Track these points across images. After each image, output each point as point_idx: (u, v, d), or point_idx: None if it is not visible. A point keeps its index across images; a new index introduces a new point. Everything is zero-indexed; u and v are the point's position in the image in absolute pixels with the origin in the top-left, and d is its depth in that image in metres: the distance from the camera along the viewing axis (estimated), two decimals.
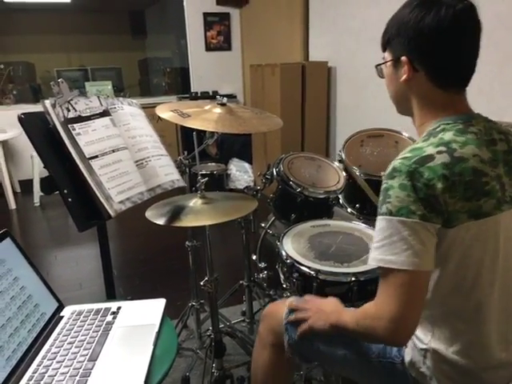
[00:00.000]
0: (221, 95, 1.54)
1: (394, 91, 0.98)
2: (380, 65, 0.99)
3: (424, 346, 0.92)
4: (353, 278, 1.30)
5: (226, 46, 5.30)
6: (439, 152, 0.83)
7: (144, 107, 1.55)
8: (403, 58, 0.90)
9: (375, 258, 0.85)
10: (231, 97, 5.19)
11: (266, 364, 1.20)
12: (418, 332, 0.94)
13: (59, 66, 5.49)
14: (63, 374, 0.89)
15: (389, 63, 0.96)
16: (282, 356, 1.16)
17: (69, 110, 1.24)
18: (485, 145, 0.87)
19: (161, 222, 1.27)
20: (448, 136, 0.86)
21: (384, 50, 0.97)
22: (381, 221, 0.85)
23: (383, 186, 0.86)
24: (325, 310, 1.04)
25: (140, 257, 3.00)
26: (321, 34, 3.84)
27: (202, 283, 1.52)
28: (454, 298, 0.89)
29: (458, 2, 0.85)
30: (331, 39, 3.68)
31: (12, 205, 4.07)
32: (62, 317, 1.11)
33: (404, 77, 0.92)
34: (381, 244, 0.84)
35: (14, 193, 4.28)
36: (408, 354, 0.96)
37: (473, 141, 0.86)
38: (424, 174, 0.81)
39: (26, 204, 4.24)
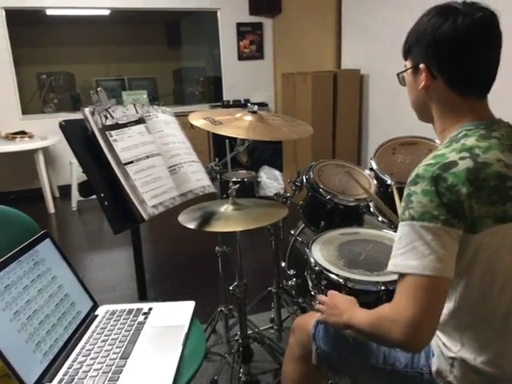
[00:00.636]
0: (252, 103, 1.57)
1: (414, 98, 1.00)
2: (401, 73, 1.01)
3: (452, 355, 0.91)
4: (382, 287, 1.29)
5: (258, 54, 5.36)
6: (462, 158, 0.83)
7: (177, 115, 1.60)
8: (421, 66, 0.91)
9: (397, 264, 0.83)
10: (263, 105, 5.24)
11: (296, 376, 1.21)
12: (447, 341, 0.92)
13: (98, 76, 5.70)
14: (96, 370, 0.93)
15: (409, 71, 0.97)
16: (312, 368, 1.16)
17: (107, 118, 1.30)
18: (508, 149, 0.86)
19: (192, 226, 1.30)
20: (470, 141, 0.86)
21: (405, 58, 0.99)
22: (403, 227, 0.84)
23: (406, 192, 0.86)
24: (339, 307, 1.04)
25: (171, 262, 3.06)
26: (353, 41, 3.83)
27: (231, 288, 1.54)
28: (482, 305, 0.87)
29: (476, 11, 0.86)
30: (364, 47, 3.67)
31: (51, 209, 4.24)
32: (97, 315, 1.15)
33: (422, 84, 0.92)
34: (403, 250, 0.83)
35: (53, 197, 4.46)
36: (435, 362, 0.95)
37: (496, 146, 0.85)
38: (448, 180, 0.81)
39: (64, 208, 4.40)
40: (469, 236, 0.83)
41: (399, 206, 1.40)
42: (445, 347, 0.93)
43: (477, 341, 0.88)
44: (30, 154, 4.13)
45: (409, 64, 0.97)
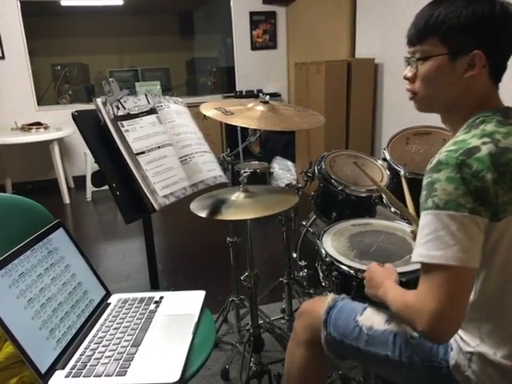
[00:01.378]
0: (265, 94, 1.56)
1: (441, 88, 0.92)
2: (427, 58, 0.90)
3: (470, 349, 0.89)
4: (402, 279, 1.27)
5: (271, 44, 5.32)
6: (484, 143, 0.81)
7: (190, 106, 1.59)
8: (477, 52, 0.85)
9: (420, 254, 0.82)
10: (276, 95, 5.21)
11: (301, 361, 1.20)
12: (464, 335, 0.91)
13: (111, 66, 5.73)
14: (108, 357, 0.95)
15: (440, 57, 0.89)
16: (317, 353, 1.16)
17: (118, 108, 1.30)
18: None
19: (203, 214, 1.30)
20: (490, 127, 0.84)
21: (420, 42, 0.91)
22: (426, 216, 0.82)
23: (427, 180, 0.83)
24: (376, 279, 1.05)
25: (184, 252, 3.08)
26: (368, 30, 3.77)
27: (242, 278, 1.55)
28: (501, 297, 0.86)
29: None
30: (379, 35, 3.61)
31: (66, 199, 4.30)
32: (109, 304, 1.17)
33: (470, 73, 0.87)
34: (426, 239, 0.81)
35: (68, 188, 4.52)
36: (453, 357, 0.93)
37: None
38: (472, 166, 0.79)
39: (78, 199, 4.46)
40: (492, 224, 0.81)
41: (409, 197, 1.38)
42: (463, 342, 0.91)
43: (497, 334, 0.87)
44: (46, 145, 4.19)
45: (439, 49, 0.88)
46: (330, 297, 1.16)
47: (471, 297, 0.88)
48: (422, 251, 0.82)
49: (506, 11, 0.85)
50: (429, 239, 0.81)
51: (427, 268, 0.82)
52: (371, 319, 1.06)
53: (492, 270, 0.85)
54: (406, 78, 0.98)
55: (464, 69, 0.87)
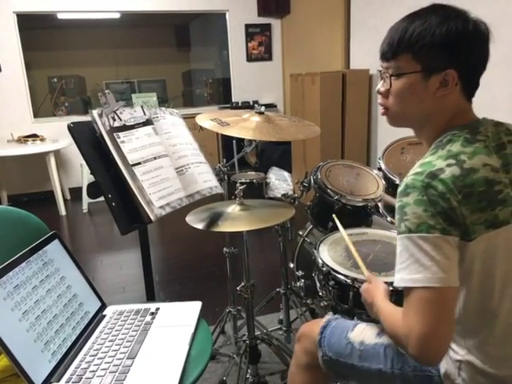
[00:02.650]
0: (261, 105, 1.57)
1: (413, 105, 0.90)
2: (400, 75, 0.89)
3: (459, 358, 0.90)
4: (390, 288, 1.27)
5: (266, 56, 5.37)
6: (449, 165, 0.81)
7: (187, 117, 1.60)
8: (450, 71, 0.85)
9: (403, 279, 0.82)
10: (271, 106, 5.24)
11: None
12: (453, 344, 0.91)
13: (108, 79, 5.76)
14: (104, 369, 0.94)
15: (413, 75, 0.87)
16: (318, 377, 1.16)
17: (114, 120, 1.31)
18: (495, 151, 0.84)
19: (200, 226, 1.30)
20: (456, 147, 0.84)
21: (393, 57, 0.89)
22: (402, 240, 0.82)
23: (398, 203, 0.84)
24: (367, 301, 1.05)
25: (180, 263, 3.07)
26: (362, 41, 3.81)
27: (238, 288, 1.54)
28: (484, 311, 0.86)
29: (475, 16, 0.86)
30: (373, 47, 3.65)
31: (62, 211, 4.28)
32: (105, 316, 1.16)
33: (443, 91, 0.86)
34: (405, 264, 0.81)
35: (65, 200, 4.51)
36: (443, 365, 0.94)
37: (481, 149, 0.83)
38: (438, 188, 0.79)
39: (75, 210, 4.45)
40: (465, 243, 0.82)
41: (353, 248, 1.31)
42: (452, 350, 0.92)
43: (481, 345, 0.87)
44: (42, 157, 4.18)
45: (411, 66, 0.87)
46: (325, 318, 1.16)
47: (458, 311, 0.88)
48: (404, 276, 0.82)
49: (478, 29, 0.85)
50: (408, 264, 0.81)
51: (410, 291, 0.81)
52: (362, 334, 1.06)
53: (472, 287, 0.85)
54: (379, 93, 0.97)
55: (436, 87, 0.87)
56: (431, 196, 0.79)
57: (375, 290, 1.06)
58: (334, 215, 1.54)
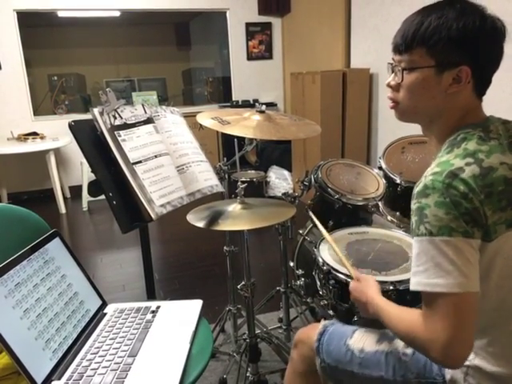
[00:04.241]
0: (261, 103, 1.57)
1: (425, 100, 0.89)
2: (413, 69, 0.88)
3: (466, 363, 0.88)
4: (391, 287, 1.28)
5: (267, 54, 5.36)
6: (468, 164, 0.80)
7: (187, 116, 1.60)
8: (464, 68, 0.83)
9: (420, 283, 0.80)
10: (272, 105, 5.24)
11: None
12: None
13: (108, 77, 5.75)
14: (105, 367, 0.94)
15: (427, 69, 0.86)
16: (314, 383, 1.15)
17: (115, 118, 1.31)
18: (508, 149, 0.84)
19: (200, 224, 1.30)
20: (472, 145, 0.83)
21: (405, 51, 0.88)
22: (420, 242, 0.80)
23: (416, 205, 0.82)
24: (360, 299, 1.04)
25: (181, 261, 3.07)
26: (363, 40, 3.81)
27: (238, 287, 1.54)
28: (499, 312, 0.86)
29: (489, 12, 0.85)
30: (373, 46, 3.65)
31: (62, 209, 4.28)
32: (105, 314, 1.16)
33: (456, 88, 0.85)
34: (424, 268, 0.80)
35: (64, 198, 4.51)
36: (449, 371, 0.93)
37: (496, 148, 0.83)
38: (459, 188, 0.78)
39: (75, 209, 4.44)
40: (485, 244, 0.80)
41: (335, 245, 1.29)
42: None
43: (492, 349, 0.87)
44: (42, 155, 4.18)
45: (426, 61, 0.86)
46: (321, 323, 1.15)
47: None
48: (422, 279, 0.80)
49: (495, 26, 0.84)
50: (427, 267, 0.79)
51: (430, 297, 0.80)
52: (361, 341, 1.05)
53: (489, 288, 0.84)
54: (389, 86, 0.95)
55: (449, 83, 0.86)
56: (453, 197, 0.78)
57: (367, 288, 1.04)
58: (310, 212, 1.52)
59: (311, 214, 1.50)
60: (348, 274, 1.34)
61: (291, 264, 2.01)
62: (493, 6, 0.89)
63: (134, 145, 1.30)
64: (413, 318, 0.85)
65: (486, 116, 0.91)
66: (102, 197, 1.24)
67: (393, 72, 0.94)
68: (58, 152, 4.57)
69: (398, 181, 1.72)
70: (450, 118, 0.90)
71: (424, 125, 0.96)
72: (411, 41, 0.86)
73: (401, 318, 0.88)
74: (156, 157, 1.34)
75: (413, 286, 0.82)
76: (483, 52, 0.84)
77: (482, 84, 0.88)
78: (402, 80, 0.90)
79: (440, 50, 0.84)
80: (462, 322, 0.78)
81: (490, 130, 0.86)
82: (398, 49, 0.90)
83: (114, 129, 1.29)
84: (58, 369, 0.94)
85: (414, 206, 0.83)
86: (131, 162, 1.27)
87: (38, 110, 4.90)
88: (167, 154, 1.38)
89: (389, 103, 0.97)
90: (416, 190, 0.83)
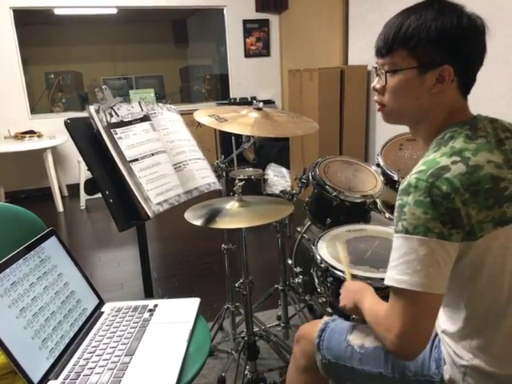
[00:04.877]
0: (259, 101, 1.56)
1: (409, 101, 0.89)
2: (396, 71, 0.88)
3: (464, 363, 0.89)
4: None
5: (264, 52, 5.35)
6: (454, 162, 0.80)
7: (184, 113, 1.60)
8: (446, 67, 0.84)
9: (390, 278, 0.83)
10: (269, 102, 5.23)
11: None
12: (457, 349, 0.90)
13: (105, 74, 5.72)
14: (102, 366, 0.93)
15: (409, 71, 0.86)
16: (317, 380, 1.15)
17: (112, 116, 1.30)
18: (496, 147, 0.84)
19: (198, 223, 1.30)
20: (458, 144, 0.83)
21: (389, 53, 0.88)
22: (397, 239, 0.82)
23: (398, 202, 0.83)
24: (351, 288, 1.09)
25: (178, 259, 3.07)
26: (360, 37, 3.80)
27: (237, 285, 1.54)
28: (491, 311, 0.86)
29: (470, 10, 0.86)
30: (371, 43, 3.61)
31: (60, 208, 4.27)
32: (103, 312, 1.16)
33: (440, 87, 0.86)
34: (395, 263, 0.82)
35: (62, 196, 4.49)
36: (447, 371, 0.93)
37: (483, 146, 0.82)
38: (442, 188, 0.77)
39: (72, 207, 4.43)
40: (469, 243, 0.81)
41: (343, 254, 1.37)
42: (456, 356, 0.91)
43: (488, 349, 0.87)
44: (39, 154, 4.17)
45: (408, 62, 0.86)
46: (323, 320, 1.16)
47: (461, 313, 0.88)
48: (392, 275, 0.83)
49: (473, 23, 0.84)
50: (398, 263, 0.81)
51: (395, 290, 0.83)
52: (362, 337, 1.06)
53: (479, 287, 0.84)
54: (374, 89, 0.96)
55: (432, 83, 0.86)
56: (435, 197, 0.78)
57: (363, 285, 1.07)
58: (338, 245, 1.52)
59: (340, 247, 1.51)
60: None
61: (289, 261, 2.01)
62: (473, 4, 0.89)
63: (130, 142, 1.29)
64: (381, 308, 0.89)
65: (474, 115, 0.91)
66: (99, 195, 1.23)
67: (377, 75, 0.95)
68: (55, 150, 4.55)
69: (396, 178, 1.72)
70: (435, 118, 0.90)
71: (411, 126, 0.96)
72: (392, 43, 0.87)
73: (373, 306, 0.93)
74: (153, 155, 1.33)
75: (385, 281, 0.85)
76: (464, 50, 0.84)
77: (466, 82, 0.88)
78: (386, 83, 0.91)
79: (421, 51, 0.84)
80: (417, 318, 0.81)
81: (478, 128, 0.86)
82: (380, 52, 0.91)
83: (111, 126, 1.28)
84: (55, 368, 0.93)
85: (396, 202, 0.84)
86: (128, 159, 1.26)
87: (35, 108, 4.88)
88: (164, 152, 1.37)
89: (376, 106, 0.98)
90: (401, 187, 0.83)
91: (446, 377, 0.93)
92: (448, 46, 0.83)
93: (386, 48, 0.89)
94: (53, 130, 4.43)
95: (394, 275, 0.82)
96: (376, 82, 0.95)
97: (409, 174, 0.83)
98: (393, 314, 0.83)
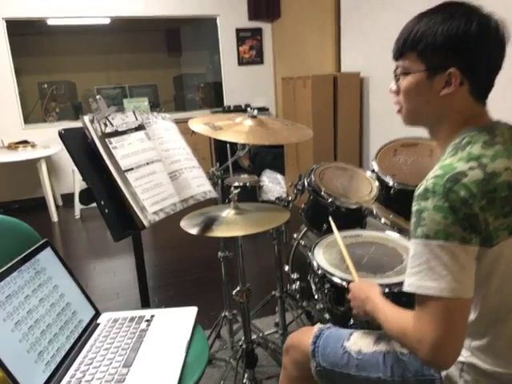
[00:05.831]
0: (253, 108, 1.56)
1: (421, 104, 0.91)
2: (407, 74, 0.90)
3: (462, 359, 0.89)
4: (386, 290, 1.27)
5: (258, 59, 5.38)
6: (471, 168, 0.79)
7: (179, 122, 1.60)
8: (452, 71, 0.84)
9: (413, 284, 0.81)
10: (263, 109, 5.24)
11: None
12: None
13: (99, 84, 5.72)
14: (99, 379, 0.92)
15: (418, 74, 0.88)
16: None
17: (106, 125, 1.30)
18: None
19: (194, 231, 1.30)
20: (476, 150, 0.82)
21: (401, 56, 0.90)
22: (416, 244, 0.81)
23: (415, 207, 0.82)
24: (359, 297, 1.05)
25: (176, 268, 3.06)
26: (353, 44, 3.83)
27: (234, 293, 1.53)
28: (497, 315, 0.86)
29: (487, 13, 0.85)
30: (363, 50, 3.67)
31: (54, 217, 4.24)
32: (99, 324, 1.15)
33: (447, 91, 0.86)
34: (418, 270, 0.80)
35: (56, 206, 4.47)
36: None
37: (501, 153, 0.82)
38: (460, 193, 0.77)
39: (67, 217, 4.41)
40: (484, 250, 0.80)
41: (345, 250, 1.33)
42: None
43: (489, 347, 0.87)
44: (33, 163, 4.14)
45: (418, 66, 0.88)
46: (317, 327, 1.14)
47: (471, 315, 0.87)
48: (415, 281, 0.81)
49: (482, 27, 0.83)
50: (421, 269, 0.80)
51: (422, 299, 0.81)
52: (359, 343, 1.05)
53: (489, 291, 0.84)
54: (391, 92, 0.98)
55: (441, 86, 0.86)
56: (453, 202, 0.77)
57: (369, 287, 1.06)
58: (330, 217, 1.53)
59: (331, 220, 1.50)
60: (345, 278, 1.34)
61: (286, 268, 2.01)
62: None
63: (125, 152, 1.29)
64: (406, 319, 0.85)
65: (493, 120, 0.90)
66: (95, 204, 1.22)
67: (395, 77, 0.96)
68: (49, 160, 4.53)
69: (391, 183, 1.72)
70: (450, 123, 0.90)
71: (428, 129, 0.97)
72: (403, 47, 0.89)
73: (395, 318, 0.89)
74: (148, 164, 1.33)
75: (406, 287, 0.83)
76: (470, 54, 0.84)
77: (478, 87, 0.87)
78: (399, 85, 0.93)
79: (429, 54, 0.86)
80: (450, 326, 0.78)
81: (496, 134, 0.85)
82: (394, 55, 0.93)
83: (105, 136, 1.28)
84: (52, 381, 0.92)
85: (413, 207, 0.83)
86: (123, 169, 1.26)
87: (28, 118, 4.87)
88: (159, 161, 1.37)
89: (396, 108, 0.99)
90: (417, 192, 0.83)
91: (444, 373, 0.93)
92: (454, 50, 0.84)
93: (398, 51, 0.91)
94: (46, 140, 4.41)
95: (416, 281, 0.80)
96: (393, 85, 0.97)
97: (425, 179, 0.83)
98: (422, 325, 0.81)
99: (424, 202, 0.80)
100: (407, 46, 0.88)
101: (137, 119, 1.40)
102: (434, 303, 0.79)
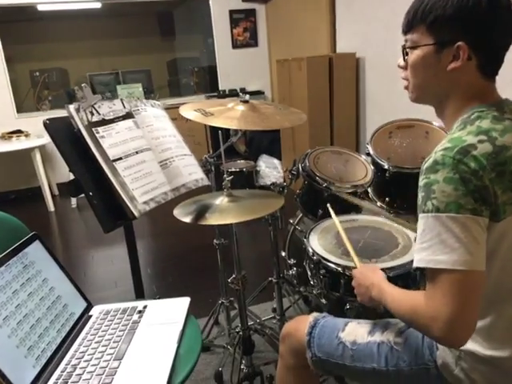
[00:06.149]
0: (248, 92, 1.53)
1: (428, 79, 0.90)
2: (415, 47, 0.89)
3: None
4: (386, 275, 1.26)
5: (252, 42, 5.29)
6: (480, 141, 0.79)
7: (173, 107, 1.57)
8: (461, 44, 0.82)
9: (423, 260, 0.79)
10: (259, 93, 5.18)
11: None
12: None
13: (92, 70, 5.64)
14: (90, 372, 0.92)
15: (427, 47, 0.87)
16: (307, 376, 1.14)
17: (92, 114, 1.27)
18: None
19: (187, 219, 1.28)
20: (485, 124, 0.81)
21: (410, 30, 0.89)
22: (426, 219, 0.79)
23: (423, 181, 0.80)
24: (363, 284, 1.03)
25: (173, 255, 3.05)
26: (348, 24, 3.76)
27: (229, 280, 1.52)
28: (498, 294, 0.85)
29: None
30: (359, 29, 3.60)
31: (51, 207, 4.22)
32: (91, 316, 1.14)
33: (454, 65, 0.84)
34: (428, 244, 0.78)
35: (53, 195, 4.44)
36: (440, 356, 0.92)
37: (511, 128, 0.81)
38: (470, 165, 0.76)
39: (63, 206, 4.39)
40: (492, 224, 0.79)
41: (346, 238, 1.29)
42: None
43: (488, 329, 0.86)
44: (27, 153, 4.11)
45: (426, 39, 0.86)
46: (312, 316, 1.13)
47: None
48: (426, 256, 0.79)
49: (494, 2, 0.81)
50: (432, 243, 0.78)
51: (434, 273, 0.79)
52: (353, 334, 1.04)
53: (492, 269, 0.82)
54: (399, 67, 0.96)
55: (449, 61, 0.85)
56: (463, 173, 0.76)
57: (373, 273, 1.04)
58: (328, 205, 1.51)
59: (329, 207, 1.47)
60: (340, 263, 1.33)
61: (283, 254, 2.00)
62: None
63: (113, 141, 1.26)
64: (416, 298, 0.84)
65: (501, 98, 0.89)
66: (81, 195, 1.20)
67: (403, 52, 0.94)
68: (43, 149, 4.49)
69: (386, 166, 1.70)
70: (457, 99, 0.88)
71: (435, 106, 0.95)
72: (412, 20, 0.88)
73: (404, 298, 0.87)
74: (137, 153, 1.30)
75: (416, 263, 0.81)
76: (480, 28, 0.82)
77: (487, 62, 0.85)
78: (406, 59, 0.92)
79: (438, 27, 0.84)
80: (464, 300, 0.76)
81: (505, 111, 0.85)
82: (403, 29, 0.92)
83: (92, 125, 1.25)
84: (42, 376, 0.91)
85: (421, 181, 0.81)
86: (111, 159, 1.23)
87: (21, 107, 4.81)
88: (149, 150, 1.34)
89: (403, 84, 0.97)
90: (425, 165, 0.81)
91: (439, 362, 0.92)
92: (463, 22, 0.82)
93: (407, 25, 0.90)
94: (40, 129, 4.31)
95: (427, 256, 0.78)
96: (401, 59, 0.95)
97: (433, 152, 0.81)
98: (435, 301, 0.78)
99: (433, 175, 0.78)
100: (416, 19, 0.87)
101: (124, 107, 1.36)
102: (446, 277, 0.77)
